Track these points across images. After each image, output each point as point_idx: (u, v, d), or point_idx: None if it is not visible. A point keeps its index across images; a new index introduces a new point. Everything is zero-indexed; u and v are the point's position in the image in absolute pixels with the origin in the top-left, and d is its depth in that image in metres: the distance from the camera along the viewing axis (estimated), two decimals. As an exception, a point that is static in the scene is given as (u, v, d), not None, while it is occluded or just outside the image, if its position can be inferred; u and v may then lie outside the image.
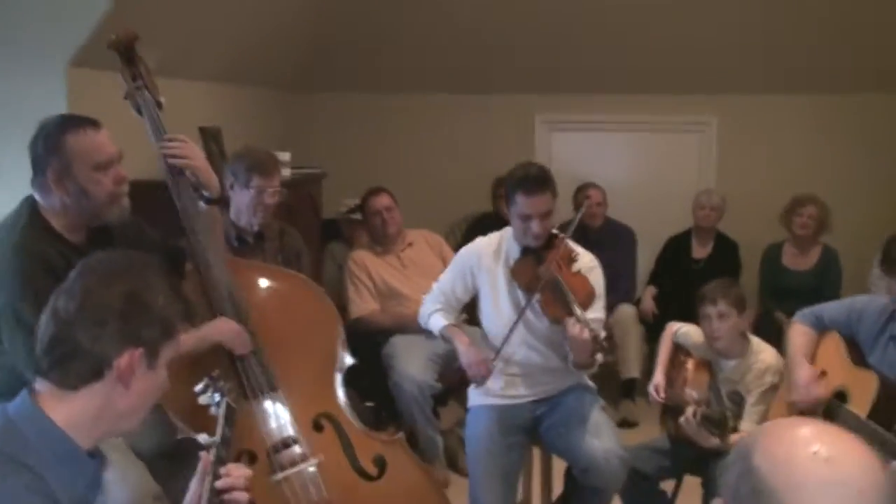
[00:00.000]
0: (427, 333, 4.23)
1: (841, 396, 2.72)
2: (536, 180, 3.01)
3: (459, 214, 5.91)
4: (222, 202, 2.74)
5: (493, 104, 6.07)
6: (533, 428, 3.19)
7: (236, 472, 1.90)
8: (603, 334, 2.89)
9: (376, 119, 6.12)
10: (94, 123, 2.44)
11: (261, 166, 3.32)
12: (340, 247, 5.13)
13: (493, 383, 3.19)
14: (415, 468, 2.72)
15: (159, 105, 2.70)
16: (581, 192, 5.54)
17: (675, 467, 3.34)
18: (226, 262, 2.65)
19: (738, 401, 3.33)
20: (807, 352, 2.91)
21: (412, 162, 6.04)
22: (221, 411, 2.05)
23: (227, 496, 1.86)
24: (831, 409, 2.73)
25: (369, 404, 4.70)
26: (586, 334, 2.81)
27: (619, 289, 5.36)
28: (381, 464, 2.64)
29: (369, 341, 4.52)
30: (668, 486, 3.42)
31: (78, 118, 2.45)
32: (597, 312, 3.10)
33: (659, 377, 3.51)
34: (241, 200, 3.34)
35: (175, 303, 1.66)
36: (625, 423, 4.87)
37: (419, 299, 3.95)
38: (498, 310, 3.18)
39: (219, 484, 1.85)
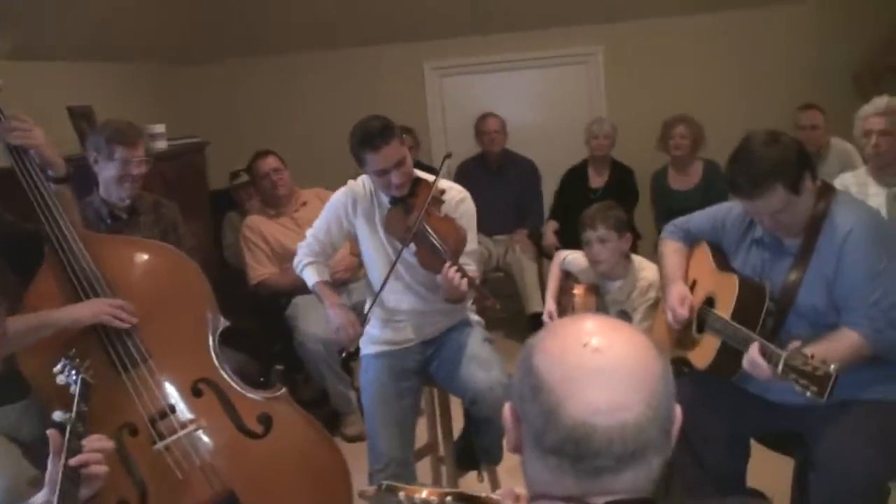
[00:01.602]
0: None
1: (710, 301, 2.79)
2: (380, 134, 2.96)
3: (355, 169, 5.86)
4: (69, 180, 2.69)
5: (380, 55, 6.06)
6: (424, 369, 3.21)
7: (96, 445, 1.89)
8: (477, 276, 2.93)
9: (260, 83, 6.07)
10: None
11: (122, 136, 3.24)
12: (237, 215, 5.10)
13: (380, 331, 3.21)
14: (301, 422, 2.72)
15: (-7, 87, 2.62)
16: (479, 122, 5.63)
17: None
18: (83, 238, 2.60)
19: (627, 320, 3.40)
20: (678, 269, 2.96)
21: (302, 122, 6.00)
22: (77, 387, 2.03)
23: (84, 470, 1.86)
24: (701, 315, 2.80)
25: (279, 367, 4.72)
26: (463, 282, 2.84)
27: (526, 223, 5.47)
28: (265, 421, 2.64)
29: (272, 304, 4.53)
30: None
31: None
32: (471, 245, 3.12)
33: (550, 304, 3.57)
34: (107, 174, 3.27)
35: None
36: None
37: (343, 250, 3.94)
38: (377, 256, 3.18)
39: (73, 461, 1.83)
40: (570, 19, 5.89)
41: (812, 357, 2.25)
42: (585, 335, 1.16)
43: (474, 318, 3.35)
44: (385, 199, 3.15)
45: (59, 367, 2.11)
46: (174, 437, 2.50)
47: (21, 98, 3.79)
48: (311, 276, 3.24)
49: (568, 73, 6.20)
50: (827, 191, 2.63)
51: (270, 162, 4.56)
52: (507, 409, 1.20)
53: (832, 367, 2.20)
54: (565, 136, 5.84)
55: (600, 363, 1.12)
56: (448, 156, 3.28)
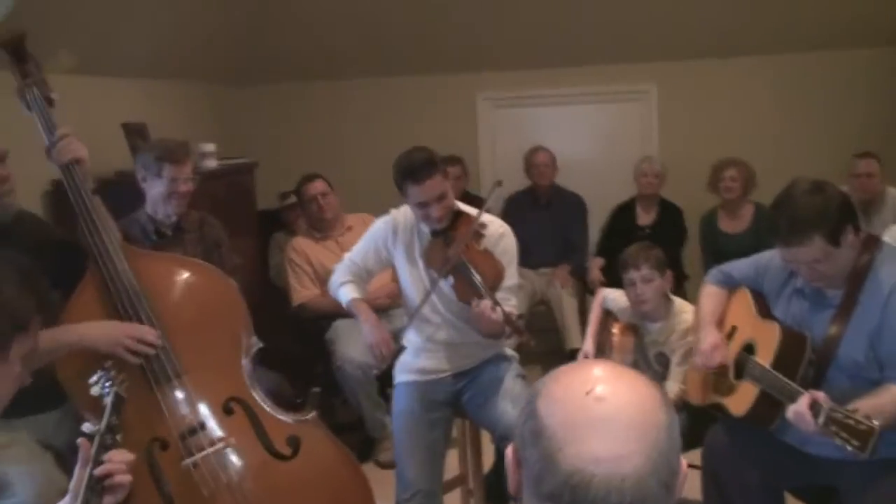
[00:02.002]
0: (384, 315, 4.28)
1: (749, 349, 2.74)
2: (423, 167, 2.99)
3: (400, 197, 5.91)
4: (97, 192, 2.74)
5: (433, 85, 6.09)
6: (456, 401, 3.20)
7: (118, 458, 1.91)
8: (516, 312, 2.92)
9: (313, 107, 6.13)
10: None
11: (170, 154, 3.30)
12: (284, 236, 5.15)
13: (414, 360, 3.21)
14: (330, 446, 2.72)
15: (50, 101, 2.69)
16: (530, 155, 5.63)
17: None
18: (125, 253, 2.64)
19: (665, 362, 3.37)
20: (714, 314, 2.92)
21: (352, 147, 6.05)
22: (109, 400, 2.06)
23: (108, 481, 1.88)
24: (740, 362, 2.75)
25: (316, 389, 4.74)
26: (497, 314, 2.84)
27: (571, 259, 5.45)
28: (294, 443, 2.64)
29: (314, 326, 4.55)
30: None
31: None
32: (508, 280, 3.12)
33: (588, 343, 3.55)
34: (155, 191, 3.33)
35: (27, 296, 1.66)
36: None
37: (385, 276, 3.97)
38: (415, 286, 3.20)
39: (97, 472, 1.86)
40: (626, 56, 5.87)
41: (855, 411, 2.20)
42: (590, 382, 1.14)
43: (510, 352, 3.34)
44: (426, 230, 3.17)
45: (94, 378, 2.13)
46: (203, 453, 2.51)
47: (77, 112, 3.90)
48: (346, 294, 3.28)
49: (621, 110, 6.18)
50: (872, 243, 2.59)
51: (318, 186, 4.60)
52: (508, 451, 1.19)
53: (876, 422, 2.15)
54: (615, 172, 5.80)
55: (602, 412, 1.11)
56: (499, 183, 3.32)
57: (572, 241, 5.54)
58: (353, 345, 4.13)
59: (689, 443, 2.95)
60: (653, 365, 3.39)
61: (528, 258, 5.55)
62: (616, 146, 6.09)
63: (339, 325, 4.34)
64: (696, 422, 3.02)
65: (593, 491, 1.07)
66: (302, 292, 4.51)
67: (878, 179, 4.93)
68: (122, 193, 3.47)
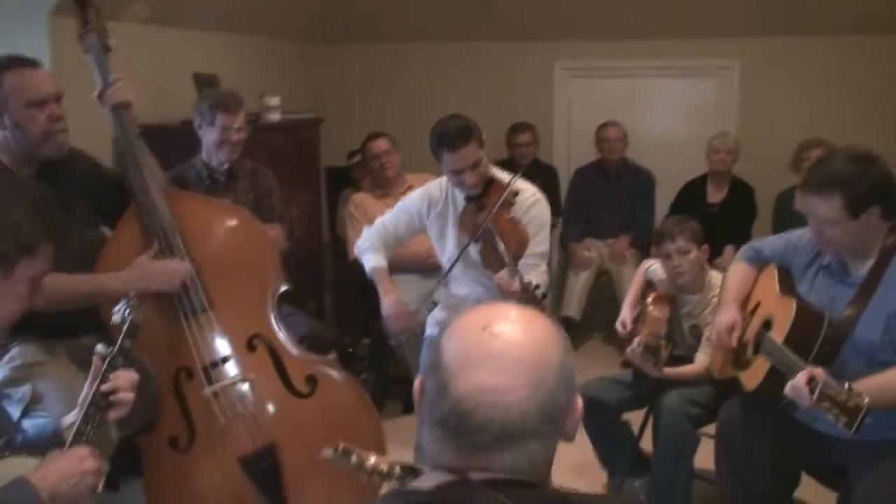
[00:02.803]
0: (422, 273, 4.38)
1: (768, 325, 2.73)
2: (459, 135, 3.08)
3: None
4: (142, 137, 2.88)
5: (512, 52, 6.08)
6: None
7: (124, 377, 2.07)
8: (535, 282, 2.97)
9: (388, 69, 6.22)
10: (32, 63, 2.62)
11: (223, 104, 3.46)
12: (352, 192, 5.28)
13: (446, 316, 3.31)
14: (346, 388, 2.84)
15: (107, 48, 2.84)
16: (601, 130, 5.62)
17: (635, 399, 3.40)
18: (164, 193, 2.79)
19: (698, 335, 3.37)
20: (739, 291, 2.92)
21: (425, 110, 6.06)
22: (126, 326, 2.20)
23: (112, 397, 2.03)
24: (758, 337, 2.75)
25: (366, 341, 4.88)
26: (515, 286, 2.90)
27: (632, 232, 5.43)
28: (312, 382, 2.77)
29: (367, 280, 4.67)
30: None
31: (18, 58, 2.63)
32: (537, 247, 3.17)
33: (625, 312, 3.56)
34: (209, 138, 3.50)
35: (35, 222, 1.80)
36: None
37: (415, 241, 4.09)
38: (449, 249, 3.31)
39: (104, 388, 2.01)
40: (709, 31, 5.76)
41: (849, 388, 2.19)
42: (490, 320, 1.21)
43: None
44: (461, 198, 3.26)
45: (117, 306, 2.27)
46: (222, 383, 2.66)
47: (151, 62, 4.10)
48: (370, 261, 3.40)
49: (701, 86, 6.07)
50: None
51: (381, 144, 4.70)
52: (417, 381, 1.26)
53: (865, 399, 2.14)
54: (692, 148, 5.70)
55: (495, 347, 1.17)
56: (520, 174, 3.34)
57: (636, 216, 5.51)
58: (404, 299, 4.22)
59: (713, 415, 2.99)
60: (686, 337, 3.39)
61: (594, 229, 5.62)
62: (694, 122, 5.99)
63: (398, 281, 4.44)
64: (722, 395, 3.02)
65: (477, 418, 1.14)
66: (359, 245, 4.62)
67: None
68: (185, 140, 3.65)
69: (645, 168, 5.67)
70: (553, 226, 5.65)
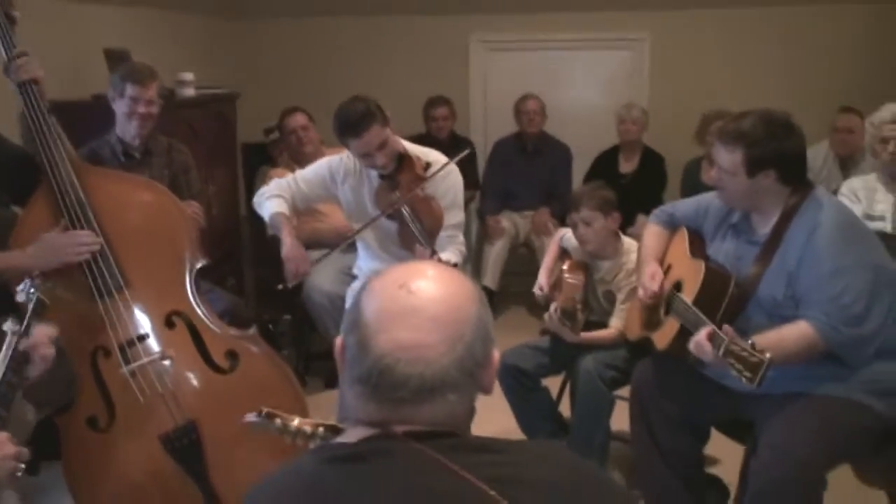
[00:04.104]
0: (343, 248, 4.40)
1: (679, 286, 2.82)
2: (360, 120, 3.10)
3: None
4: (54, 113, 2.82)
5: (427, 25, 6.11)
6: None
7: (39, 332, 2.06)
8: (453, 260, 3.02)
9: (304, 44, 6.19)
10: None
11: (134, 75, 3.39)
12: (269, 169, 5.23)
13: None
14: (268, 362, 2.83)
15: (11, 19, 2.78)
16: (519, 103, 5.67)
17: (553, 364, 3.47)
18: (76, 168, 2.74)
19: (612, 300, 3.45)
20: (655, 251, 3.01)
21: (342, 85, 6.02)
22: (31, 304, 2.17)
23: (34, 353, 2.05)
24: (669, 298, 2.84)
25: (287, 317, 4.88)
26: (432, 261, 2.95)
27: (551, 204, 5.51)
28: (233, 357, 2.76)
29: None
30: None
31: None
32: (453, 219, 3.22)
33: (542, 279, 3.63)
34: (120, 111, 3.43)
35: None
36: None
37: (334, 215, 4.09)
38: (362, 223, 3.34)
39: (21, 346, 2.01)
40: (621, 4, 5.87)
41: (752, 344, 2.28)
42: (406, 278, 1.24)
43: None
44: (374, 175, 3.29)
45: (21, 286, 2.24)
46: (140, 362, 2.64)
47: (61, 36, 4.00)
48: (272, 206, 3.39)
49: (614, 58, 6.19)
50: (805, 188, 2.64)
51: (298, 119, 4.69)
52: (337, 340, 1.28)
53: (767, 354, 2.23)
54: (605, 119, 5.81)
55: (410, 304, 1.20)
56: (471, 152, 3.38)
57: (555, 188, 5.60)
58: (323, 275, 4.24)
59: (628, 377, 3.07)
60: (601, 302, 3.48)
61: (512, 202, 5.70)
62: (607, 94, 6.12)
63: (311, 255, 4.43)
64: (636, 358, 3.11)
65: (396, 374, 1.17)
66: (277, 222, 4.60)
67: (858, 135, 4.91)
68: (97, 116, 3.58)
69: (562, 142, 5.74)
70: (471, 199, 5.77)
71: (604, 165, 5.57)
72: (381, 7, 6.02)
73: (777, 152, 2.54)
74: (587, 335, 3.32)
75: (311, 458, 1.26)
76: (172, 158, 3.61)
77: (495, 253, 5.50)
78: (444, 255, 3.07)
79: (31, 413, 2.66)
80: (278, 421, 1.59)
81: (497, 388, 3.33)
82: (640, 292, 2.94)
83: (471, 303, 1.25)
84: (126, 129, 3.45)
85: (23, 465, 1.85)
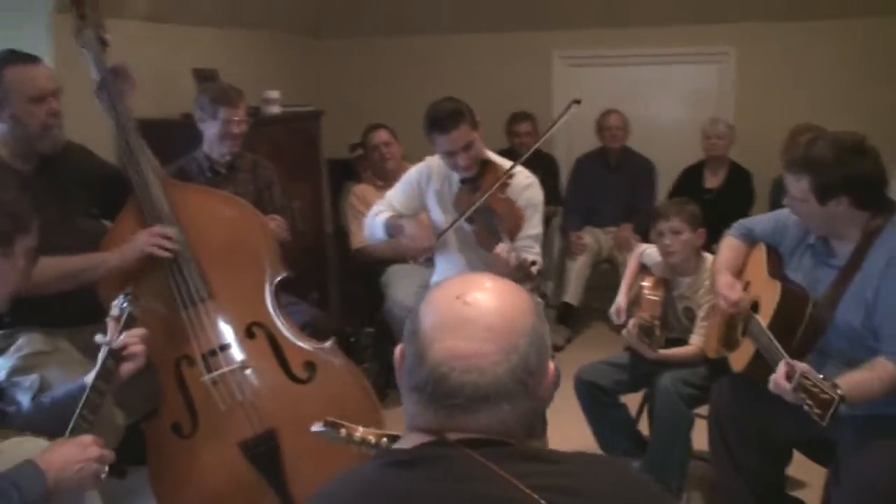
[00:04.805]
0: (425, 262, 4.45)
1: (755, 306, 2.77)
2: (449, 117, 3.14)
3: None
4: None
5: (510, 42, 6.13)
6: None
7: (133, 332, 2.19)
8: (531, 259, 3.03)
9: (389, 62, 6.27)
10: (33, 59, 2.70)
11: (224, 97, 3.53)
12: (354, 184, 5.33)
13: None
14: (345, 373, 2.88)
15: (103, 42, 2.91)
16: (602, 118, 5.66)
17: (631, 381, 3.44)
18: (163, 184, 2.85)
19: (691, 317, 3.41)
20: (731, 264, 2.96)
21: (427, 101, 6.15)
22: (123, 318, 2.27)
23: (125, 351, 2.16)
24: (746, 319, 2.79)
25: (369, 330, 4.94)
26: (512, 259, 2.95)
27: (634, 220, 5.47)
28: (311, 368, 2.82)
29: (370, 271, 4.74)
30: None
31: (18, 53, 2.71)
32: (531, 229, 3.22)
33: (621, 297, 3.61)
34: (210, 132, 3.57)
35: (24, 199, 1.88)
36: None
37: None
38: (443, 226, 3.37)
39: (115, 344, 2.12)
40: (706, 17, 5.80)
41: (825, 380, 2.23)
42: (463, 289, 1.27)
43: (536, 298, 3.43)
44: (456, 180, 3.31)
45: (116, 301, 2.35)
46: (221, 371, 2.73)
47: (152, 58, 4.17)
48: (382, 218, 3.46)
49: (699, 72, 6.10)
50: (889, 208, 2.57)
51: (381, 135, 4.77)
52: (397, 350, 1.32)
53: (839, 391, 2.18)
54: (690, 135, 5.74)
55: (466, 314, 1.24)
56: (576, 102, 3.39)
57: (638, 204, 5.55)
58: (404, 289, 4.28)
59: (707, 395, 3.03)
60: (681, 319, 3.44)
61: (595, 218, 5.67)
62: (692, 109, 6.03)
63: (394, 269, 4.50)
64: (715, 376, 3.07)
65: (451, 383, 1.21)
66: (359, 236, 4.66)
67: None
68: (186, 134, 3.72)
69: (645, 157, 5.70)
70: (553, 215, 5.76)
71: (689, 181, 5.50)
72: (464, 25, 6.07)
73: (846, 178, 2.47)
74: (665, 352, 3.29)
75: (370, 463, 1.30)
76: (257, 174, 3.73)
77: (577, 268, 5.47)
78: (527, 254, 3.06)
79: (120, 418, 2.79)
80: (343, 431, 1.63)
81: (576, 405, 3.34)
82: (721, 302, 2.89)
83: (526, 314, 1.27)
84: (216, 147, 3.58)
85: (106, 468, 1.91)
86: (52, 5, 3.55)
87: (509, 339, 1.23)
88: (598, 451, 3.54)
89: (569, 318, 5.46)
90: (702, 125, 5.49)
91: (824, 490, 2.71)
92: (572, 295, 5.45)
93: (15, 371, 2.67)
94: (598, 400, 3.40)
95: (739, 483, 2.83)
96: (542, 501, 1.15)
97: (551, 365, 1.30)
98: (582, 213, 5.67)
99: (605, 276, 5.65)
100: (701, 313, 3.35)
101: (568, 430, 3.64)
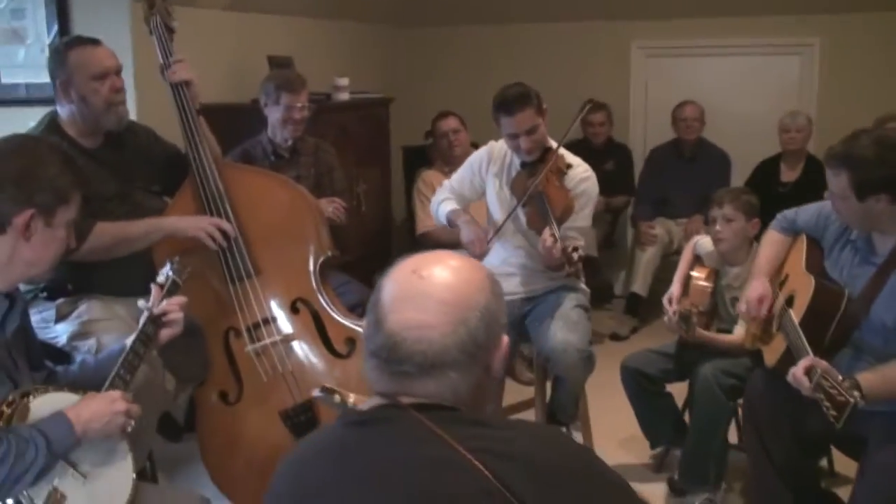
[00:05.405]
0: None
1: (790, 300, 2.76)
2: (516, 100, 3.19)
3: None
4: (203, 113, 3.09)
5: (588, 31, 6.13)
6: (521, 324, 3.40)
7: (173, 300, 2.33)
8: (574, 246, 3.07)
9: (465, 51, 6.35)
10: (93, 41, 2.91)
11: (288, 84, 3.70)
12: (425, 170, 5.44)
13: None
14: (384, 350, 2.99)
15: (170, 29, 3.08)
16: (677, 109, 5.63)
17: (677, 370, 3.45)
18: (218, 164, 3.01)
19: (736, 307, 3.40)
20: (770, 262, 2.94)
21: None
22: (167, 285, 2.42)
23: (166, 317, 2.29)
24: (781, 313, 2.77)
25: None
26: (557, 247, 3.00)
27: (705, 213, 5.40)
28: (351, 344, 2.93)
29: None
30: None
31: (79, 37, 2.96)
32: (580, 221, 3.26)
33: (674, 287, 3.61)
34: (274, 117, 3.73)
35: (66, 174, 2.03)
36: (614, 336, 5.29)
37: (478, 217, 4.22)
38: (501, 212, 3.44)
39: (156, 310, 2.26)
40: (789, 8, 5.68)
41: (843, 381, 2.22)
42: (421, 265, 1.37)
43: (581, 285, 3.48)
44: (517, 164, 3.37)
45: (164, 268, 2.49)
46: (264, 342, 2.88)
47: (229, 45, 4.36)
48: (445, 208, 3.53)
49: (780, 64, 5.97)
50: None
51: (450, 122, 4.87)
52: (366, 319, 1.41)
53: (856, 394, 2.19)
54: (770, 127, 5.62)
55: (421, 288, 1.34)
56: (589, 101, 3.41)
57: (712, 196, 5.48)
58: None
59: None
60: (729, 309, 3.43)
61: (667, 209, 5.63)
62: (772, 101, 5.87)
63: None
64: (758, 367, 3.05)
65: (403, 350, 1.31)
66: (426, 221, 4.78)
67: None
68: (256, 118, 3.88)
69: (720, 148, 5.64)
70: (626, 205, 5.76)
71: (765, 173, 5.41)
72: (542, 14, 6.09)
73: (887, 175, 2.44)
74: (705, 333, 3.29)
75: (335, 422, 1.43)
76: (318, 158, 3.88)
77: (646, 259, 5.46)
78: (572, 243, 3.11)
79: (170, 383, 2.96)
80: (337, 396, 1.73)
81: (622, 391, 3.38)
82: (743, 308, 2.90)
83: (479, 291, 1.35)
84: (279, 132, 3.74)
85: (132, 422, 2.05)
86: (134, -7, 3.75)
87: (460, 313, 1.32)
88: (644, 439, 3.57)
89: (637, 309, 5.46)
90: (780, 118, 5.40)
91: (854, 484, 2.70)
92: (640, 285, 5.44)
93: (75, 336, 2.87)
94: (643, 388, 3.43)
95: (772, 475, 2.83)
96: (476, 462, 1.24)
97: (503, 340, 1.38)
98: (654, 204, 5.65)
99: (674, 268, 5.58)
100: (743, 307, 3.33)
101: (617, 420, 3.68)
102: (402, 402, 1.32)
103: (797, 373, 2.35)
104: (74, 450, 1.95)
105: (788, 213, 3.03)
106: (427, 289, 1.33)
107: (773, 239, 3.01)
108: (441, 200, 3.58)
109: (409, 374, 1.31)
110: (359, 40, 5.79)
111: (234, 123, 3.89)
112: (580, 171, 3.37)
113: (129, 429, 2.06)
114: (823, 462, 3.04)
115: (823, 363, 2.32)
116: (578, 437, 3.49)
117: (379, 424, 1.33)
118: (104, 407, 2.00)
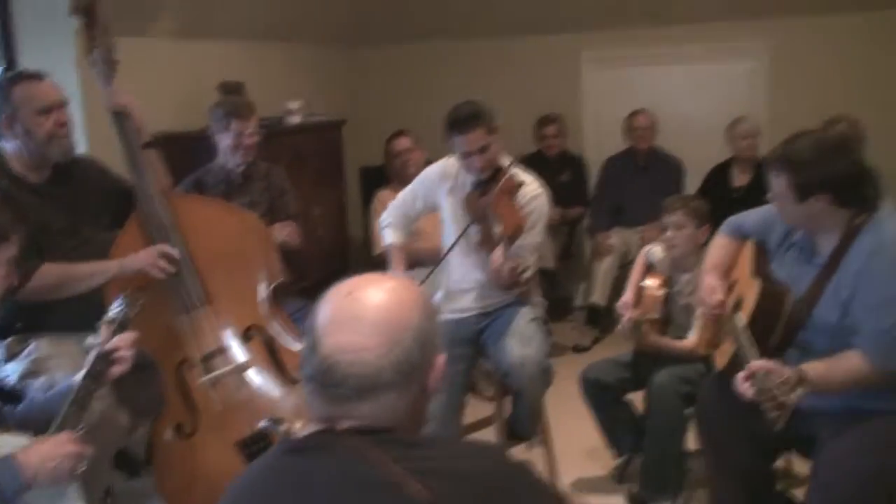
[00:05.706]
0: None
1: (738, 305, 2.79)
2: (468, 119, 3.22)
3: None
4: (153, 145, 3.10)
5: (537, 45, 6.17)
6: (477, 339, 3.43)
7: (124, 337, 2.32)
8: (523, 268, 3.09)
9: (416, 69, 6.38)
10: (38, 76, 2.90)
11: (236, 110, 3.72)
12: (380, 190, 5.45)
13: (444, 299, 3.46)
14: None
15: (112, 62, 3.07)
16: (630, 119, 5.69)
17: (635, 378, 3.48)
18: (166, 195, 3.01)
19: (690, 314, 3.43)
20: (718, 265, 2.97)
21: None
22: (118, 320, 2.41)
23: (115, 354, 2.28)
24: (727, 318, 2.80)
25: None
26: (505, 268, 3.03)
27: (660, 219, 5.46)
28: (306, 370, 2.93)
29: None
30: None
31: (25, 72, 2.95)
32: (530, 239, 3.29)
33: (627, 295, 3.64)
34: (224, 143, 3.75)
35: (4, 212, 2.03)
36: (577, 348, 5.31)
37: (434, 233, 4.23)
38: (453, 231, 3.46)
39: (107, 346, 2.27)
40: (735, 14, 5.75)
41: (785, 381, 2.25)
42: (354, 287, 1.38)
43: (536, 298, 3.50)
44: (469, 182, 3.39)
45: (115, 303, 2.48)
46: (217, 372, 2.87)
47: (180, 73, 4.35)
48: (387, 237, 3.56)
49: (728, 70, 6.02)
50: (872, 205, 2.55)
51: (402, 142, 4.88)
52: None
53: (793, 396, 2.21)
54: (720, 133, 5.68)
55: (353, 310, 1.35)
56: (512, 163, 3.42)
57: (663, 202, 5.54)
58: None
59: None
60: (682, 316, 3.46)
61: (623, 218, 5.68)
62: (722, 107, 5.90)
63: (413, 274, 4.56)
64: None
65: (338, 373, 1.32)
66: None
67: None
68: (208, 146, 3.87)
69: (674, 156, 5.71)
70: (582, 216, 5.80)
71: (717, 179, 5.47)
72: (489, 29, 6.13)
73: (825, 176, 2.46)
74: (658, 340, 3.33)
75: (274, 449, 1.44)
76: (271, 182, 3.89)
77: (604, 269, 5.51)
78: (518, 262, 3.13)
79: (124, 418, 2.94)
80: (284, 425, 1.73)
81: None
82: (700, 307, 2.93)
83: (413, 312, 1.37)
84: (230, 158, 3.76)
85: (84, 464, 2.04)
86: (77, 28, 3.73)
87: (394, 335, 1.33)
88: (606, 450, 3.59)
89: (597, 319, 5.49)
90: (730, 124, 5.46)
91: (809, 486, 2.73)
92: (599, 296, 5.49)
93: (26, 374, 2.84)
94: (601, 397, 3.46)
95: (727, 480, 2.85)
96: (415, 482, 1.25)
97: (439, 359, 1.40)
98: (609, 215, 5.70)
99: (632, 277, 5.66)
100: (698, 311, 3.36)
101: (581, 431, 3.69)
102: (338, 427, 1.34)
103: (739, 380, 2.38)
104: (23, 494, 1.93)
105: (735, 218, 3.05)
106: (360, 311, 1.34)
107: (720, 243, 3.03)
108: (385, 226, 3.60)
109: (345, 396, 1.32)
110: (312, 62, 5.81)
111: (189, 152, 3.90)
112: (531, 189, 3.39)
113: (80, 470, 2.04)
114: (781, 463, 3.06)
115: (767, 364, 2.34)
116: (540, 451, 3.51)
117: (315, 451, 1.34)
118: (54, 450, 1.99)
